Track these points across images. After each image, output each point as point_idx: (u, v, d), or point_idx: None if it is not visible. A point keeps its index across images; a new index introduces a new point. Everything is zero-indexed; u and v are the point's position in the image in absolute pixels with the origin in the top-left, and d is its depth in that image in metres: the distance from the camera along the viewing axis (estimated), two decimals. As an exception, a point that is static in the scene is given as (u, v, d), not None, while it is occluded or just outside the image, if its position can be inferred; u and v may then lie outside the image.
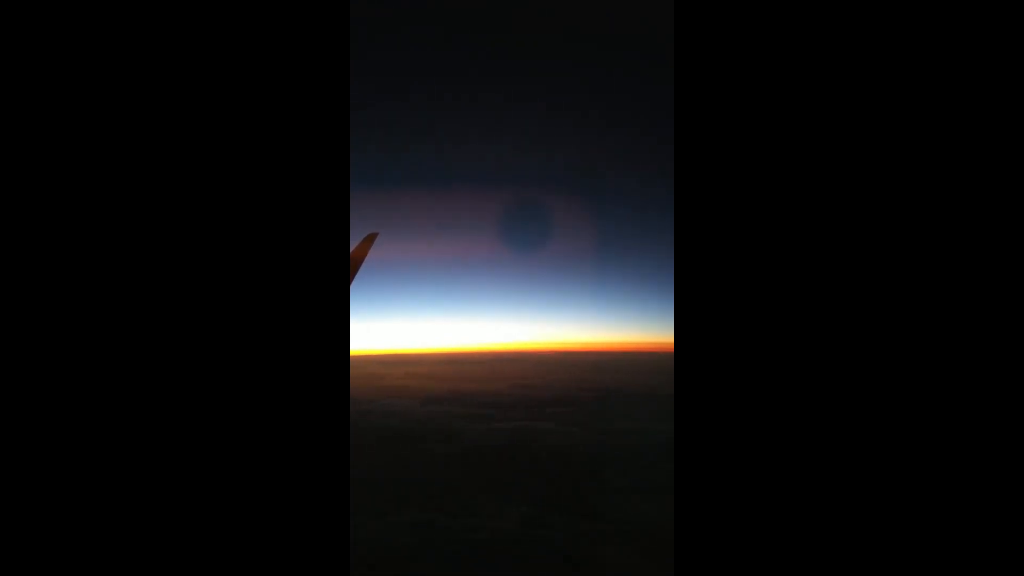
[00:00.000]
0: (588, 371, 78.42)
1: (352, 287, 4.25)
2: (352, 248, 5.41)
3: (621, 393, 52.01)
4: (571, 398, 48.11)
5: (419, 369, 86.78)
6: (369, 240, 5.54)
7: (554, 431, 34.39)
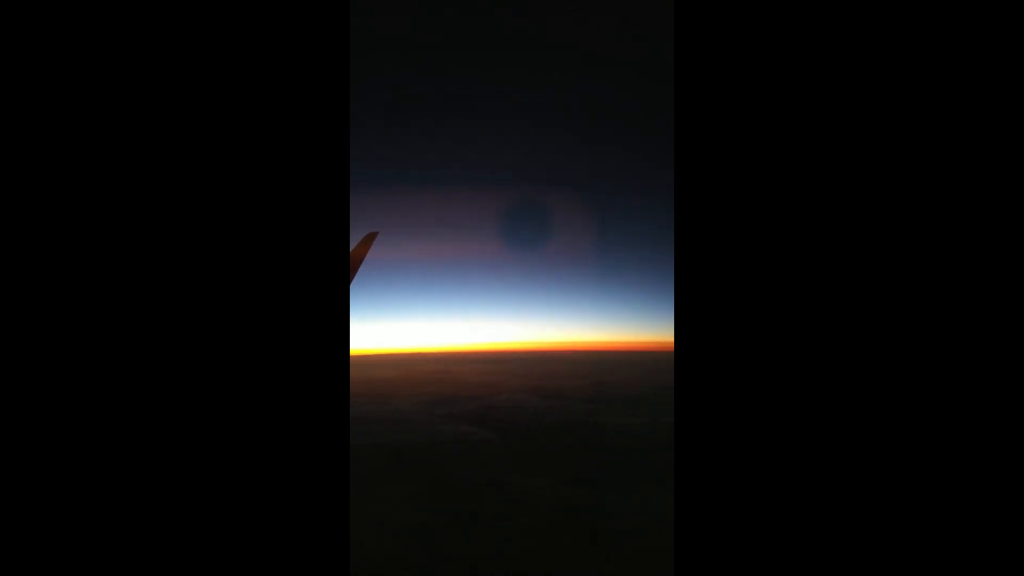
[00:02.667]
0: (628, 369, 77.82)
1: (352, 286, 4.32)
2: (352, 247, 5.45)
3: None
4: (652, 394, 48.49)
5: (473, 367, 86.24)
6: (369, 239, 5.58)
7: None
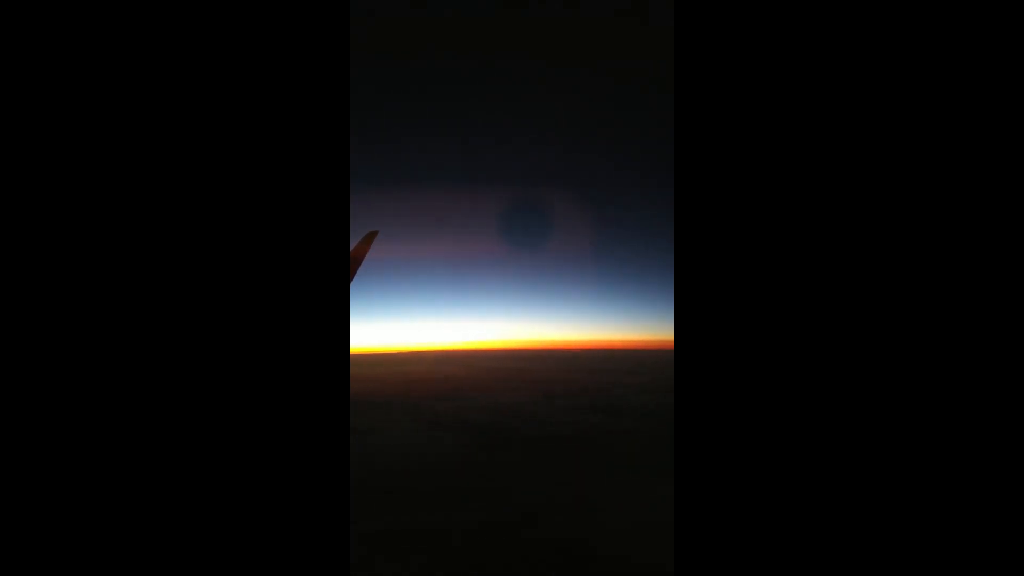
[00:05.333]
0: (659, 366, 76.91)
1: (352, 286, 4.33)
2: (352, 247, 5.45)
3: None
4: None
5: (522, 364, 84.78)
6: (369, 239, 5.56)
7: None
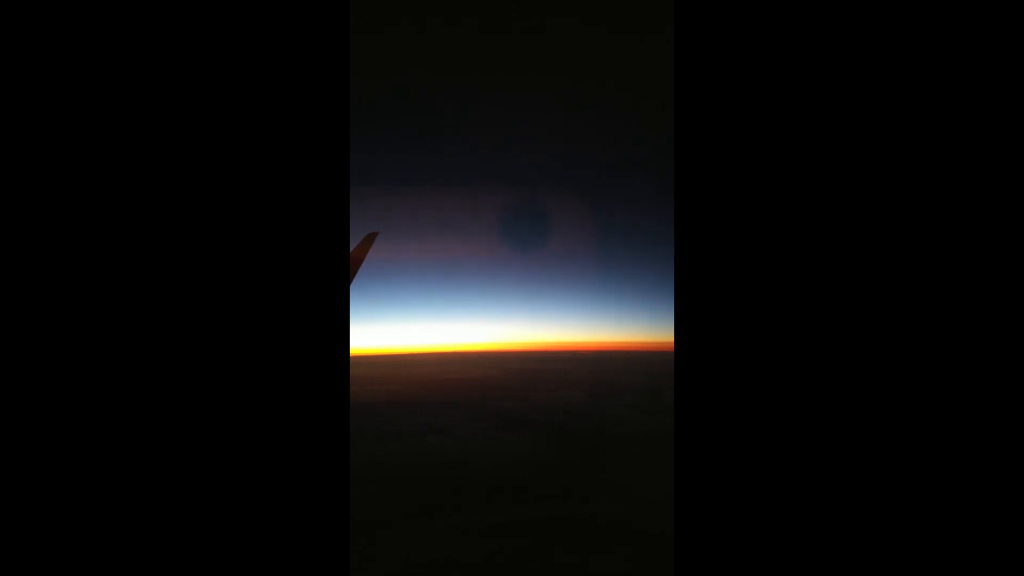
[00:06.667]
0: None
1: (352, 286, 4.34)
2: (352, 248, 5.48)
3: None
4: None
5: (549, 365, 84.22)
6: (369, 240, 5.60)
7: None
